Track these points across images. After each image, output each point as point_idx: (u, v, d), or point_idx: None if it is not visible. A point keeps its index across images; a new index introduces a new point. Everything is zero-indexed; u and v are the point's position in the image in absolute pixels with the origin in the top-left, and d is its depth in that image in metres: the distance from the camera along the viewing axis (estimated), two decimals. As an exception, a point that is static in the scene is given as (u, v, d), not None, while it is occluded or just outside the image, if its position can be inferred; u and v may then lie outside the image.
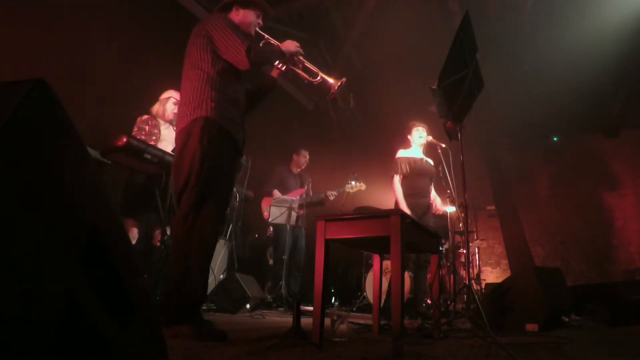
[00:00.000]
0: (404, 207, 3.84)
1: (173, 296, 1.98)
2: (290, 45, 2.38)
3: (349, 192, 4.97)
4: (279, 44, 2.40)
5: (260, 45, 2.41)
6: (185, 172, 2.04)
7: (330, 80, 2.46)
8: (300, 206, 4.99)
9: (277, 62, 2.42)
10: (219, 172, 2.10)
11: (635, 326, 3.14)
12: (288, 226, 4.84)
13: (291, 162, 5.34)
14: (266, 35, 2.44)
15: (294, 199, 4.94)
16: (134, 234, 3.46)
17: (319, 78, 2.46)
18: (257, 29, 2.42)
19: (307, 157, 5.36)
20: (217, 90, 2.13)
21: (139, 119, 3.61)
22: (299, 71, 2.48)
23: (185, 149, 2.06)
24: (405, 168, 3.96)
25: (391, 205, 4.19)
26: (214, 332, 1.93)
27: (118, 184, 3.57)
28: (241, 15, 2.37)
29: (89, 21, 3.83)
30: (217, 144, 2.08)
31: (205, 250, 2.07)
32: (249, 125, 2.67)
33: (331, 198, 4.96)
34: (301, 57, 2.45)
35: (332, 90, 2.45)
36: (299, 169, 5.33)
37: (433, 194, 4.20)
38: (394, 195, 4.06)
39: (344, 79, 2.47)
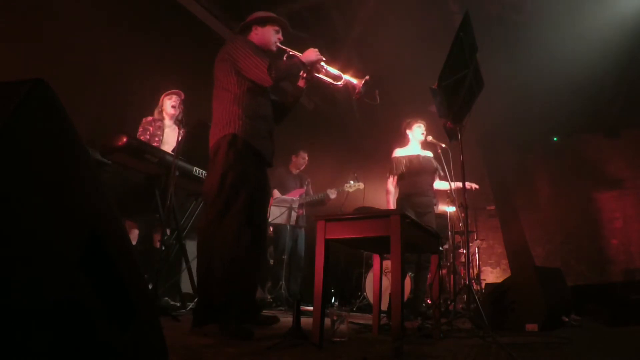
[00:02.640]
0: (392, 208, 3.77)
1: (200, 299, 2.14)
2: (311, 55, 2.45)
3: (348, 192, 5.03)
4: (299, 55, 2.47)
5: (284, 58, 2.51)
6: (212, 184, 2.20)
7: (354, 81, 2.49)
8: (300, 206, 5.00)
9: (300, 72, 2.49)
10: (242, 184, 2.20)
11: (635, 326, 3.14)
12: (288, 226, 4.85)
13: (290, 163, 5.35)
14: (288, 49, 2.53)
15: (294, 199, 4.95)
16: (134, 236, 3.46)
17: (342, 81, 2.50)
18: (279, 43, 2.52)
19: (306, 158, 5.37)
20: (244, 108, 2.27)
21: (144, 120, 3.65)
22: (323, 77, 2.53)
23: (213, 163, 2.23)
24: (401, 168, 3.86)
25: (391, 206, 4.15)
26: (241, 330, 2.01)
27: (118, 184, 3.57)
28: (260, 34, 2.49)
29: (89, 21, 3.83)
30: (241, 158, 2.21)
31: (228, 256, 2.13)
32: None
33: (332, 197, 4.99)
34: (323, 64, 2.51)
35: (357, 90, 2.47)
36: (297, 170, 5.34)
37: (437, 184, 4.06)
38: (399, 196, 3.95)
39: (367, 77, 2.48)
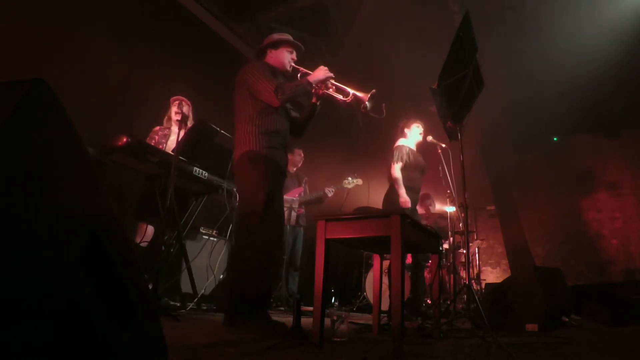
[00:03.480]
0: (405, 195, 3.62)
1: (235, 298, 2.34)
2: (319, 74, 2.58)
3: (347, 188, 5.03)
4: (310, 73, 2.61)
5: (298, 77, 2.68)
6: (246, 198, 2.43)
7: (361, 95, 2.57)
8: (300, 205, 5.00)
9: (309, 90, 2.61)
10: (272, 193, 2.40)
11: (635, 326, 3.14)
12: (288, 226, 4.84)
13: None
14: (301, 68, 2.70)
15: (294, 198, 4.95)
16: (148, 236, 3.47)
17: (350, 96, 2.59)
18: (293, 63, 2.70)
19: (302, 155, 5.33)
20: (258, 126, 2.48)
21: (152, 130, 3.78)
22: (332, 93, 2.64)
23: (242, 179, 2.46)
24: (408, 157, 3.77)
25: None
26: (275, 325, 2.20)
27: (118, 184, 3.57)
28: (275, 56, 2.69)
29: (89, 21, 3.83)
30: (264, 170, 2.41)
31: (270, 258, 2.38)
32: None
33: (329, 195, 4.99)
34: (332, 81, 2.62)
35: (363, 104, 2.56)
36: (295, 168, 5.31)
37: None
38: (390, 187, 3.81)
39: (373, 91, 2.55)
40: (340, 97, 2.62)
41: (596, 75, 6.04)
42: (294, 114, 2.76)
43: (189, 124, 3.59)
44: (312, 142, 5.73)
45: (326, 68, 2.60)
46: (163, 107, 3.93)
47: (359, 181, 5.06)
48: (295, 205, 4.87)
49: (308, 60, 2.82)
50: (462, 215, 4.66)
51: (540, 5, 5.33)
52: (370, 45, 6.14)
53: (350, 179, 5.06)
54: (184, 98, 3.85)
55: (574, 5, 5.14)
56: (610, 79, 6.39)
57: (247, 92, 2.51)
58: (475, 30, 2.61)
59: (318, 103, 2.71)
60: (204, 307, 3.72)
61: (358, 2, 5.58)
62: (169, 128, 3.81)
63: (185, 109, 3.72)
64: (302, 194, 5.12)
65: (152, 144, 3.59)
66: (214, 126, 3.50)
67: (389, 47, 6.05)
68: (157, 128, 3.80)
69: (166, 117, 3.86)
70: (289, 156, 5.31)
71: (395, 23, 5.70)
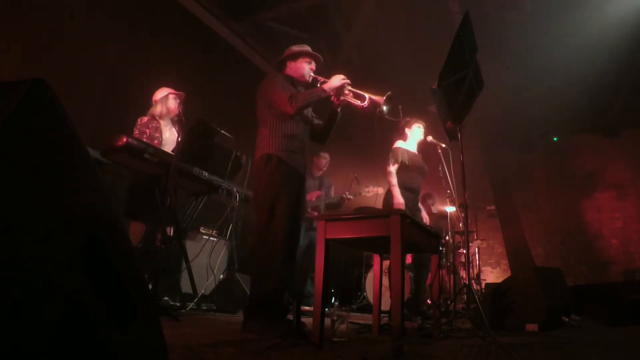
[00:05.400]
0: (400, 197, 3.65)
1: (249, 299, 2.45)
2: (335, 81, 2.62)
3: (365, 196, 5.04)
4: (326, 80, 2.66)
5: (318, 84, 2.73)
6: (256, 200, 2.56)
7: (376, 98, 2.59)
8: (315, 208, 4.91)
9: (323, 98, 2.65)
10: (280, 194, 2.46)
11: (635, 326, 3.14)
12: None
13: (312, 165, 5.12)
14: (320, 78, 2.75)
15: (307, 201, 4.88)
16: (138, 235, 3.44)
17: (367, 100, 2.61)
18: (312, 74, 2.76)
19: (328, 158, 5.21)
20: (275, 131, 2.59)
21: (139, 121, 3.55)
22: (350, 99, 2.67)
23: (257, 181, 2.58)
24: (405, 159, 3.78)
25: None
26: (282, 324, 2.21)
27: (118, 184, 3.57)
28: (294, 68, 2.77)
29: (89, 21, 3.83)
30: (277, 172, 2.50)
31: (279, 258, 2.39)
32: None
33: (346, 200, 4.98)
34: (349, 88, 2.66)
35: (379, 108, 2.57)
36: (320, 172, 5.17)
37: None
38: (388, 188, 3.82)
39: (389, 93, 2.56)
40: (357, 102, 2.65)
41: (596, 75, 6.04)
42: (317, 121, 2.84)
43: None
44: (337, 146, 5.64)
45: (343, 75, 2.63)
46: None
47: (380, 189, 5.03)
48: (308, 208, 4.80)
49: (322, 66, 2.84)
50: (462, 215, 4.66)
51: (541, 5, 5.33)
52: (370, 45, 6.14)
53: (371, 187, 5.06)
54: (181, 93, 3.75)
55: (574, 5, 5.14)
56: (611, 78, 6.39)
57: (267, 102, 2.63)
58: (475, 30, 2.61)
59: (339, 110, 2.74)
60: (204, 307, 3.72)
61: (358, 2, 5.58)
62: (157, 121, 3.60)
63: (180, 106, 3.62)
64: (320, 197, 5.03)
65: (144, 138, 3.41)
66: (214, 126, 3.50)
67: (389, 47, 6.05)
68: (145, 120, 3.55)
69: (161, 110, 3.61)
70: (315, 159, 5.25)
71: (395, 23, 5.71)
